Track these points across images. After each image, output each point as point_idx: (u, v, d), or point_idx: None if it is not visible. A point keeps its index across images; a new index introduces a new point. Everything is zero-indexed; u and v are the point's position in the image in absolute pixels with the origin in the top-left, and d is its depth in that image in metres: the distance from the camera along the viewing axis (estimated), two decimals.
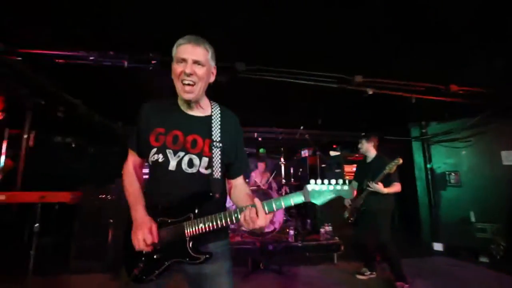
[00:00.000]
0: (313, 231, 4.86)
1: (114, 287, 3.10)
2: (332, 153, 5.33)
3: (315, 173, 5.77)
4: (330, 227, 4.38)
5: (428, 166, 5.22)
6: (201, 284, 1.17)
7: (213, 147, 1.18)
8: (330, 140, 6.24)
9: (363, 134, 3.64)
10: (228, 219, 1.10)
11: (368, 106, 4.36)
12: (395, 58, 3.01)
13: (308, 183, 1.10)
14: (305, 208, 5.63)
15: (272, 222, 4.55)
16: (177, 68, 1.14)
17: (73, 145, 5.62)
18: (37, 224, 2.31)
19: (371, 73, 3.22)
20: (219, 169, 1.18)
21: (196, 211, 1.13)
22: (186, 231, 1.11)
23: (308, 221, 5.24)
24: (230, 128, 1.27)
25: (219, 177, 1.18)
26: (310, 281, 3.42)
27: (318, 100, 4.28)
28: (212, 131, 1.20)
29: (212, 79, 1.25)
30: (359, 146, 3.51)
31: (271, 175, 5.20)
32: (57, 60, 3.05)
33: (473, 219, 4.52)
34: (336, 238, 4.23)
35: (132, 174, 1.27)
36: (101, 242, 3.69)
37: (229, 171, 1.30)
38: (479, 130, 4.61)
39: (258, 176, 5.37)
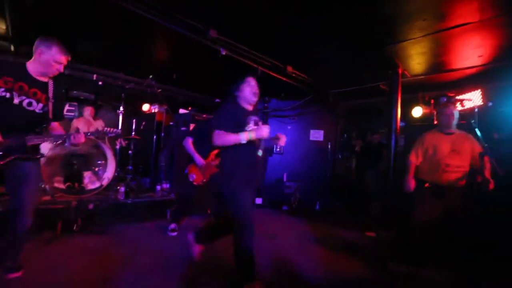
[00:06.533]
0: (150, 189, 4.64)
1: None
2: (182, 111, 5.17)
3: (160, 130, 5.49)
4: (168, 184, 4.30)
5: None
6: None
7: None
8: (185, 101, 6.04)
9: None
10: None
11: (223, 72, 4.43)
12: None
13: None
14: (145, 166, 5.28)
15: (100, 178, 3.92)
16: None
17: None
18: None
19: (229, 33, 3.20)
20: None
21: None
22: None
23: (148, 180, 4.95)
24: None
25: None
26: (136, 239, 3.23)
27: (177, 53, 3.90)
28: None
29: None
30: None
31: (105, 124, 4.41)
32: None
33: (285, 179, 5.83)
34: (172, 195, 4.20)
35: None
36: None
37: None
38: (300, 112, 5.91)
39: (82, 124, 4.43)
